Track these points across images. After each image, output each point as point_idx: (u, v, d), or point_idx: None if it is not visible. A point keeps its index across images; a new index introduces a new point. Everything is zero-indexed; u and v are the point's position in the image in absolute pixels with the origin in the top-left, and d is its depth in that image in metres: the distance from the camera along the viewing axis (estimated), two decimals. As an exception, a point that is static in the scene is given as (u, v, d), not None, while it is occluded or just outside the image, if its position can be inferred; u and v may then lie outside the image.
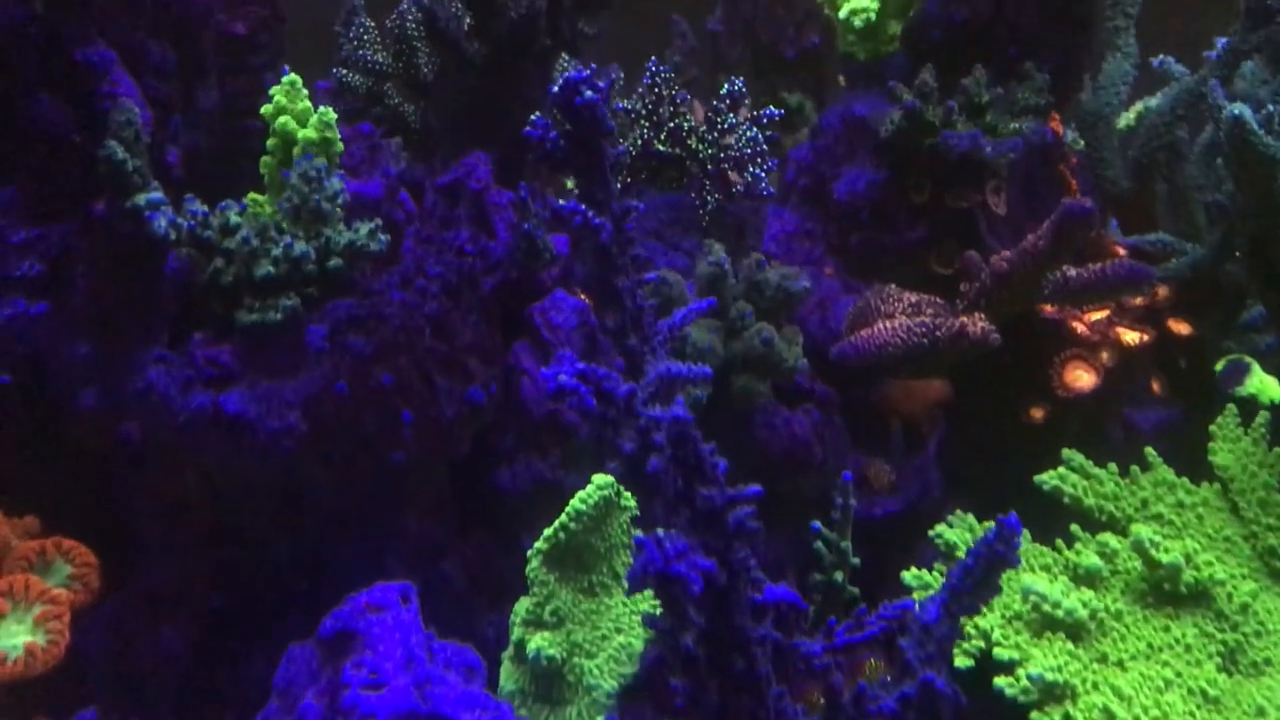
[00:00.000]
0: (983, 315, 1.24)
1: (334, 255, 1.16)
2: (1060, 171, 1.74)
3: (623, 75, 1.96)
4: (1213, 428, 1.27)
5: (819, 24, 2.41)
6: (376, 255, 1.21)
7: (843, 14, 1.67)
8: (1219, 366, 1.67)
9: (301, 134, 1.45)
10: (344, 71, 1.85)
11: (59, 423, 1.23)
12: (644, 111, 1.55)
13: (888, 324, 1.25)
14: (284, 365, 1.14)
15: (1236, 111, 1.20)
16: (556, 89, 1.03)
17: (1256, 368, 1.71)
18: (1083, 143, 1.75)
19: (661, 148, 1.48)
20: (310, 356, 1.18)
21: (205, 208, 1.18)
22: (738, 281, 1.25)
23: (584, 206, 0.91)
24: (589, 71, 0.98)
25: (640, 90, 1.58)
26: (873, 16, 1.65)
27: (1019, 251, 1.25)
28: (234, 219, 1.16)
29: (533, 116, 1.13)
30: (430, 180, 1.64)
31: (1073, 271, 1.27)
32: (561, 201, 0.93)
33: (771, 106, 1.60)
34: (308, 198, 1.17)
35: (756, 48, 2.50)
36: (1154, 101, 1.93)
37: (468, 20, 1.48)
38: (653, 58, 1.60)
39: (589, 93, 0.90)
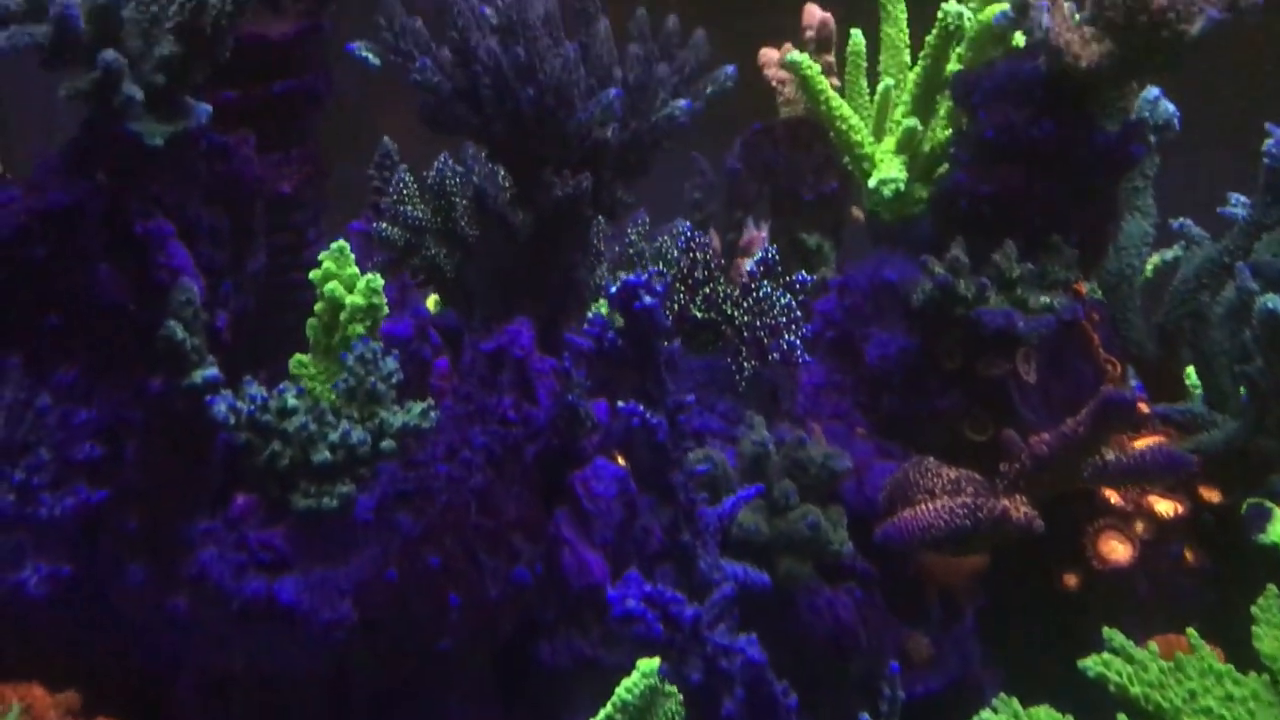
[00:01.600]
0: (1024, 498, 1.26)
1: (387, 437, 1.18)
2: (1082, 326, 1.78)
3: (647, 219, 2.01)
4: (1255, 610, 1.28)
5: (837, 169, 2.48)
6: (422, 439, 1.23)
7: (872, 183, 1.72)
8: (1242, 509, 1.68)
9: (349, 300, 1.48)
10: (383, 225, 1.90)
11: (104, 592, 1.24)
12: (680, 275, 1.59)
13: (930, 506, 1.27)
14: (335, 548, 1.15)
15: (1270, 306, 1.23)
16: (615, 291, 1.07)
17: (1279, 514, 1.71)
18: (1100, 292, 1.79)
19: (698, 314, 1.51)
20: (359, 533, 1.19)
21: (263, 391, 1.20)
22: (779, 458, 1.27)
23: (640, 407, 0.93)
24: (646, 276, 1.01)
25: (676, 255, 1.62)
26: (901, 187, 1.69)
27: (1058, 436, 1.27)
28: (291, 402, 1.18)
29: (590, 315, 1.16)
30: (471, 340, 1.67)
31: (1111, 456, 1.29)
32: (620, 403, 0.95)
33: (804, 272, 1.64)
34: (364, 380, 1.20)
35: (775, 189, 2.56)
36: (1170, 254, 1.97)
37: (513, 190, 1.53)
38: (686, 223, 1.65)
39: (648, 298, 0.93)
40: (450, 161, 1.81)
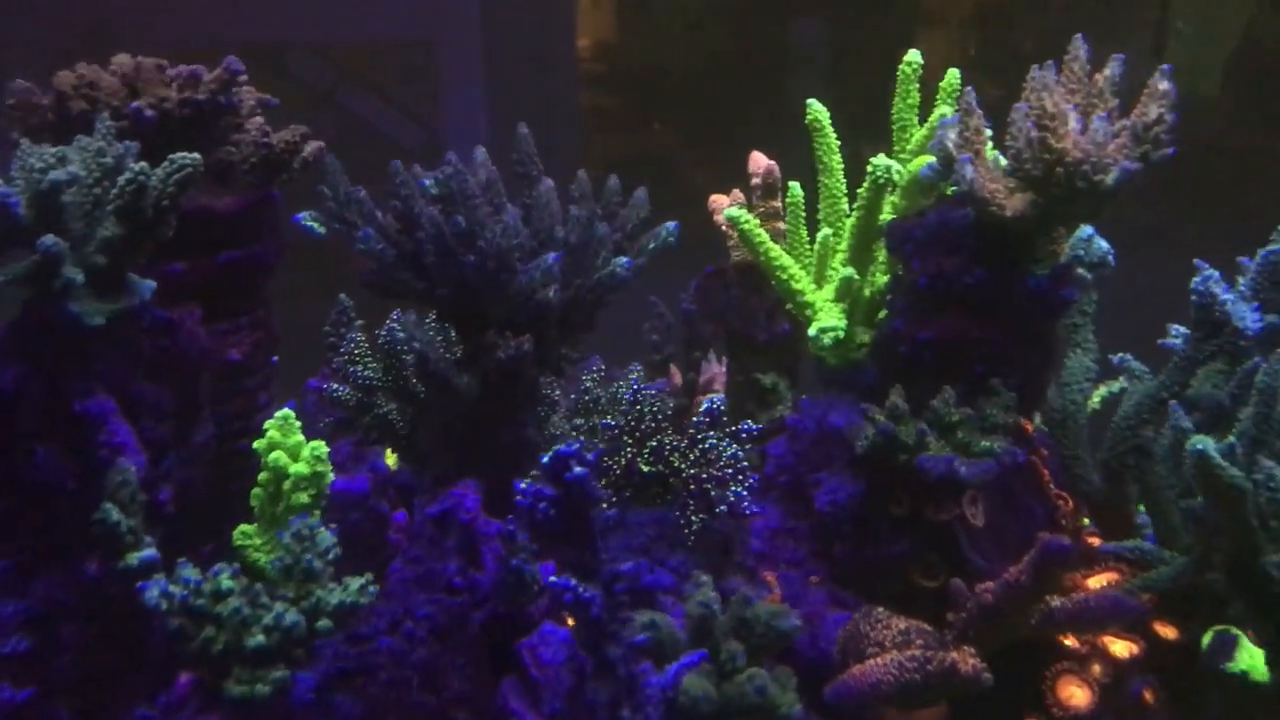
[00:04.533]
0: (972, 649, 1.25)
1: (324, 616, 1.16)
2: (1032, 462, 1.79)
3: (603, 366, 2.03)
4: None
5: (788, 312, 2.53)
6: (367, 609, 1.22)
7: (811, 331, 1.75)
8: (1205, 640, 1.66)
9: (294, 469, 1.48)
10: (334, 386, 1.91)
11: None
12: (628, 428, 1.60)
13: (878, 661, 1.25)
14: (271, 734, 1.12)
15: (1200, 447, 1.25)
16: (546, 462, 1.07)
17: (1245, 641, 1.69)
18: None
19: (645, 467, 1.51)
20: (299, 716, 1.17)
21: (197, 574, 1.18)
22: (726, 618, 1.26)
23: (572, 581, 0.93)
24: (578, 445, 1.02)
25: (624, 408, 1.63)
26: (841, 335, 1.72)
27: (1003, 585, 1.27)
28: (226, 583, 1.17)
29: (522, 485, 1.16)
30: (419, 502, 1.66)
31: (1057, 603, 1.28)
32: (552, 579, 0.95)
33: (749, 421, 1.65)
34: (300, 557, 1.18)
35: (729, 332, 2.60)
36: (1115, 386, 2.00)
37: (459, 351, 1.55)
38: (635, 378, 1.67)
39: (578, 468, 0.94)
40: (401, 319, 1.83)
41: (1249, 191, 3.60)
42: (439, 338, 1.56)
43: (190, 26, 3.48)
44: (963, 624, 1.30)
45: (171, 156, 1.38)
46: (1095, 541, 1.73)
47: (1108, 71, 1.50)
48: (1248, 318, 1.64)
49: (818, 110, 1.89)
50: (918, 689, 1.25)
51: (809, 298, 1.86)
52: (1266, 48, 3.64)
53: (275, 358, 2.16)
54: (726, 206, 2.18)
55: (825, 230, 1.88)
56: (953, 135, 1.57)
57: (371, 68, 3.81)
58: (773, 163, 2.14)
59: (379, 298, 1.60)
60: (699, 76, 3.56)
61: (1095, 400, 1.98)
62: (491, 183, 1.56)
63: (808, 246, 1.95)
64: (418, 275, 1.57)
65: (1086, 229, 1.86)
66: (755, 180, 2.15)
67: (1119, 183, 1.40)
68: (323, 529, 1.25)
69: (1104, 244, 1.87)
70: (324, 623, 1.17)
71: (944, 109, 1.78)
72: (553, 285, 1.49)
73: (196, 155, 1.40)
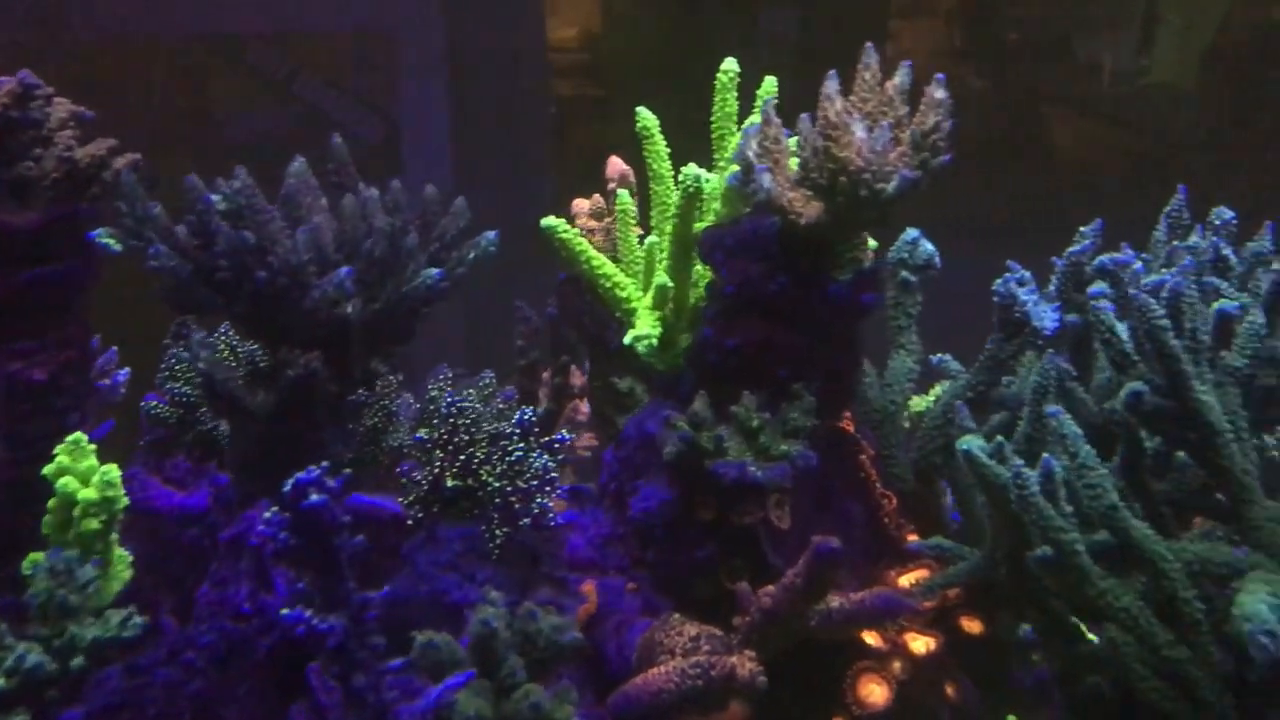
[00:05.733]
0: (753, 654, 1.26)
1: (79, 653, 1.14)
2: (860, 463, 1.82)
3: (449, 374, 2.01)
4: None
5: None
6: (131, 643, 1.19)
7: (626, 340, 1.76)
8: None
9: (83, 494, 1.45)
10: (152, 404, 1.87)
11: None
12: (440, 442, 1.59)
13: (661, 669, 1.26)
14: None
15: (965, 447, 1.28)
16: (287, 490, 1.06)
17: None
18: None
19: (451, 483, 1.51)
20: (60, 752, 1.14)
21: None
22: (510, 633, 1.26)
23: (307, 614, 0.91)
24: (319, 471, 1.01)
25: (436, 422, 1.62)
26: (655, 343, 1.74)
27: (781, 588, 1.29)
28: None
29: (266, 514, 1.15)
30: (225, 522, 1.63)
31: (835, 603, 1.31)
32: (285, 610, 0.94)
33: (564, 432, 1.65)
34: (54, 592, 1.15)
35: (587, 336, 2.60)
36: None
37: (254, 367, 1.52)
38: (448, 390, 1.66)
39: (315, 496, 0.93)
40: (191, 337, 1.79)
41: (1222, 185, 3.64)
42: (234, 354, 1.53)
43: (142, 15, 3.36)
44: (747, 628, 1.31)
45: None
46: (914, 538, 1.76)
47: (897, 80, 1.53)
48: (1045, 318, 1.69)
49: (646, 118, 1.90)
50: (701, 695, 1.26)
51: (633, 305, 1.86)
52: (1239, 39, 3.65)
53: (123, 375, 2.11)
54: (587, 209, 2.19)
55: (651, 238, 1.89)
56: (754, 144, 1.59)
57: (330, 58, 3.73)
58: (627, 168, 2.15)
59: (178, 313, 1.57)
60: (678, 65, 3.52)
61: (927, 402, 2.02)
62: (290, 196, 1.54)
63: (639, 253, 1.96)
64: (217, 290, 1.54)
65: (912, 231, 1.90)
66: (611, 185, 2.15)
67: (900, 191, 1.43)
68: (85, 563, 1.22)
69: (929, 246, 1.90)
70: (78, 660, 1.14)
71: (757, 117, 1.80)
72: (349, 300, 1.47)
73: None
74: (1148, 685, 1.15)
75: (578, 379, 2.54)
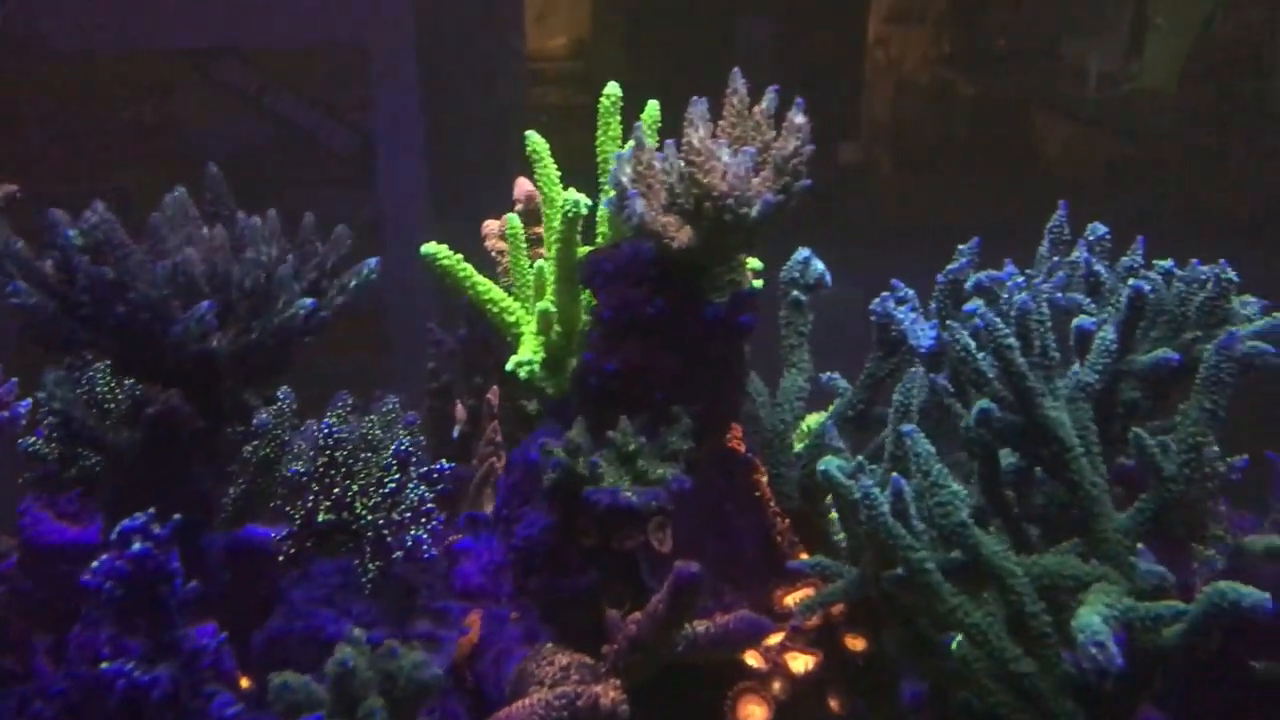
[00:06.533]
0: (618, 683, 1.26)
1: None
2: (756, 481, 1.83)
3: (349, 401, 1.98)
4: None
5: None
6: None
7: (509, 366, 1.76)
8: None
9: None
10: (30, 440, 1.82)
11: None
12: (315, 475, 1.57)
13: (527, 701, 1.25)
14: None
15: (823, 467, 1.29)
16: (114, 535, 1.04)
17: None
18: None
19: (324, 517, 1.49)
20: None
21: None
22: (371, 671, 1.24)
23: (129, 668, 0.90)
24: (145, 518, 0.99)
25: (312, 454, 1.60)
26: (536, 369, 1.73)
27: (646, 615, 1.28)
28: None
29: (94, 563, 1.12)
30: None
31: (701, 628, 1.31)
32: (104, 665, 0.91)
33: (444, 460, 1.64)
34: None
35: (496, 359, 2.59)
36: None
37: (117, 406, 1.49)
38: (325, 420, 1.64)
39: (138, 545, 0.91)
40: (47, 375, 1.75)
41: (1205, 188, 3.65)
42: (94, 393, 1.50)
43: (111, 32, 3.31)
44: (614, 656, 1.31)
45: None
46: (804, 556, 1.77)
47: (764, 104, 1.55)
48: (922, 336, 1.71)
49: (536, 142, 1.90)
50: (567, 726, 1.26)
51: (519, 330, 1.86)
52: (1220, 40, 3.66)
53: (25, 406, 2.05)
54: (497, 229, 2.17)
55: (540, 262, 1.89)
56: (627, 169, 1.60)
57: (302, 72, 3.69)
58: (534, 189, 2.14)
59: (42, 351, 1.54)
60: (664, 74, 3.51)
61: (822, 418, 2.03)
62: (155, 229, 1.51)
63: (529, 276, 1.95)
64: (82, 325, 1.51)
65: (803, 250, 1.91)
66: (519, 206, 2.14)
67: (764, 216, 1.44)
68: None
69: (819, 265, 1.92)
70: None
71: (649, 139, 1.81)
72: (212, 335, 1.45)
73: None
74: (997, 700, 1.16)
75: (497, 399, 2.53)
